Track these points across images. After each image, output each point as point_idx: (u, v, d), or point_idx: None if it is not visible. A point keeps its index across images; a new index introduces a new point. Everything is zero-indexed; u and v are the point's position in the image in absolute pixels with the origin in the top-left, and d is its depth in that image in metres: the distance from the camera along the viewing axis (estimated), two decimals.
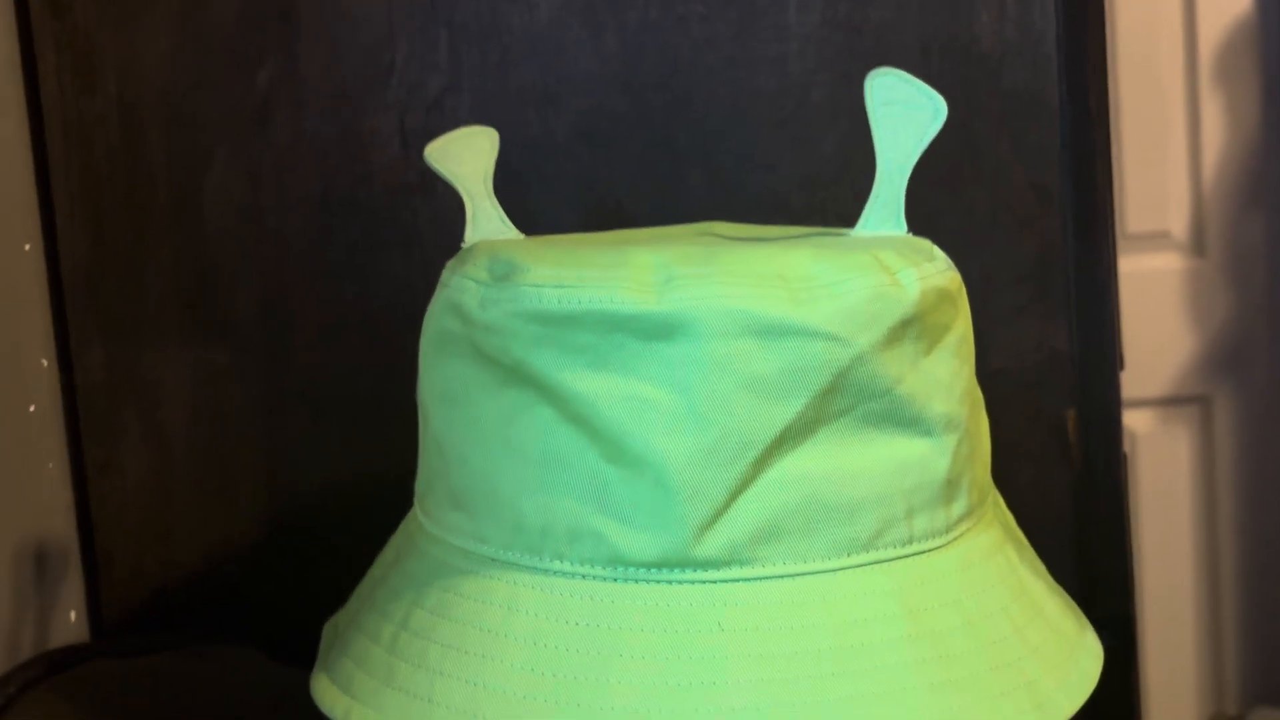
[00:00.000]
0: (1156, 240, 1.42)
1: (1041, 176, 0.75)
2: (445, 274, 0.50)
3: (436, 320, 0.49)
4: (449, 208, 0.75)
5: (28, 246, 0.75)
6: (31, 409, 0.74)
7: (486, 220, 0.54)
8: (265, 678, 0.69)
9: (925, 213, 0.75)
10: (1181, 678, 1.48)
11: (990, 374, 0.76)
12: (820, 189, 0.75)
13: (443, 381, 0.48)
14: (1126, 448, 1.45)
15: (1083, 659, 0.48)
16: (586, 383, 0.44)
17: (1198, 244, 1.42)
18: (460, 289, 0.48)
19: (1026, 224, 0.75)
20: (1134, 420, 1.45)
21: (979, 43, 0.74)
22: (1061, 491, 0.76)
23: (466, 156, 0.55)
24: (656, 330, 0.43)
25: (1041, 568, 0.53)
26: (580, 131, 0.75)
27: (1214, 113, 1.40)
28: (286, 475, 0.78)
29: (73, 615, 0.77)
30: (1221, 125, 1.40)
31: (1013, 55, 0.74)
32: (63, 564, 0.76)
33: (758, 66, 0.74)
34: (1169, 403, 1.45)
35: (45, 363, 0.76)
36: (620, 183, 0.75)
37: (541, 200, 0.75)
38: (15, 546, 0.72)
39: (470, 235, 0.54)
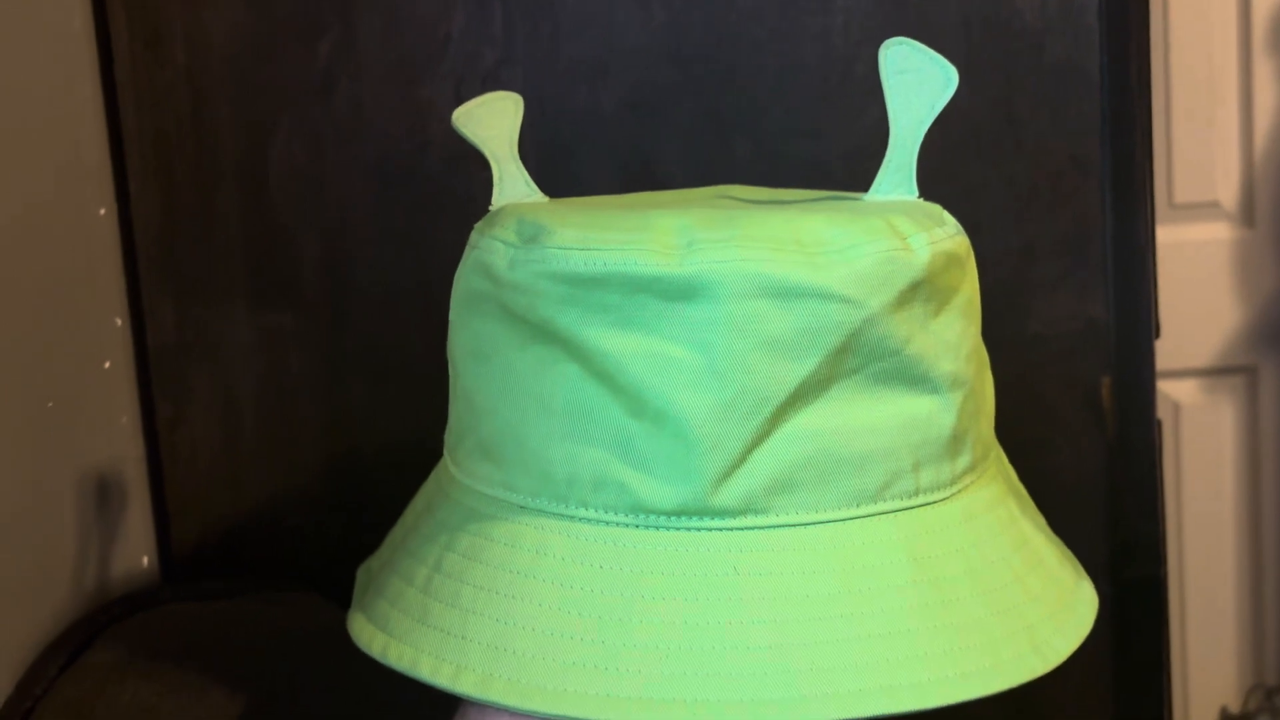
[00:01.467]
0: (1206, 210, 1.40)
1: (1082, 149, 0.75)
2: (474, 236, 0.51)
3: (466, 280, 0.50)
4: None
5: (103, 211, 0.77)
6: (106, 365, 0.77)
7: (513, 183, 0.55)
8: (327, 620, 0.71)
9: (967, 184, 0.75)
10: (1222, 647, 1.48)
11: (1028, 341, 0.76)
12: (863, 159, 0.75)
13: (473, 338, 0.50)
14: (1171, 417, 1.44)
15: (1079, 607, 0.49)
16: (611, 341, 0.45)
17: (1247, 214, 1.40)
18: (489, 250, 0.49)
19: (1066, 196, 0.75)
20: (1179, 390, 1.44)
21: (1021, 17, 0.74)
22: (1096, 457, 0.77)
23: (492, 121, 0.56)
24: (678, 291, 0.44)
25: (1042, 520, 0.54)
26: (629, 102, 0.76)
27: (1266, 83, 1.38)
28: (346, 431, 0.80)
29: (145, 560, 0.79)
30: (1273, 96, 1.38)
31: (1054, 29, 0.74)
32: (135, 513, 0.79)
33: (802, 39, 0.75)
34: (1214, 373, 1.44)
35: (119, 322, 0.79)
36: (667, 152, 0.76)
37: (591, 169, 0.77)
38: (92, 495, 0.74)
39: (497, 198, 0.55)
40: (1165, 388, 1.44)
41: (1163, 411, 1.44)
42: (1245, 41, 1.38)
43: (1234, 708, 1.48)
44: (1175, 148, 1.39)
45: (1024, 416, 0.75)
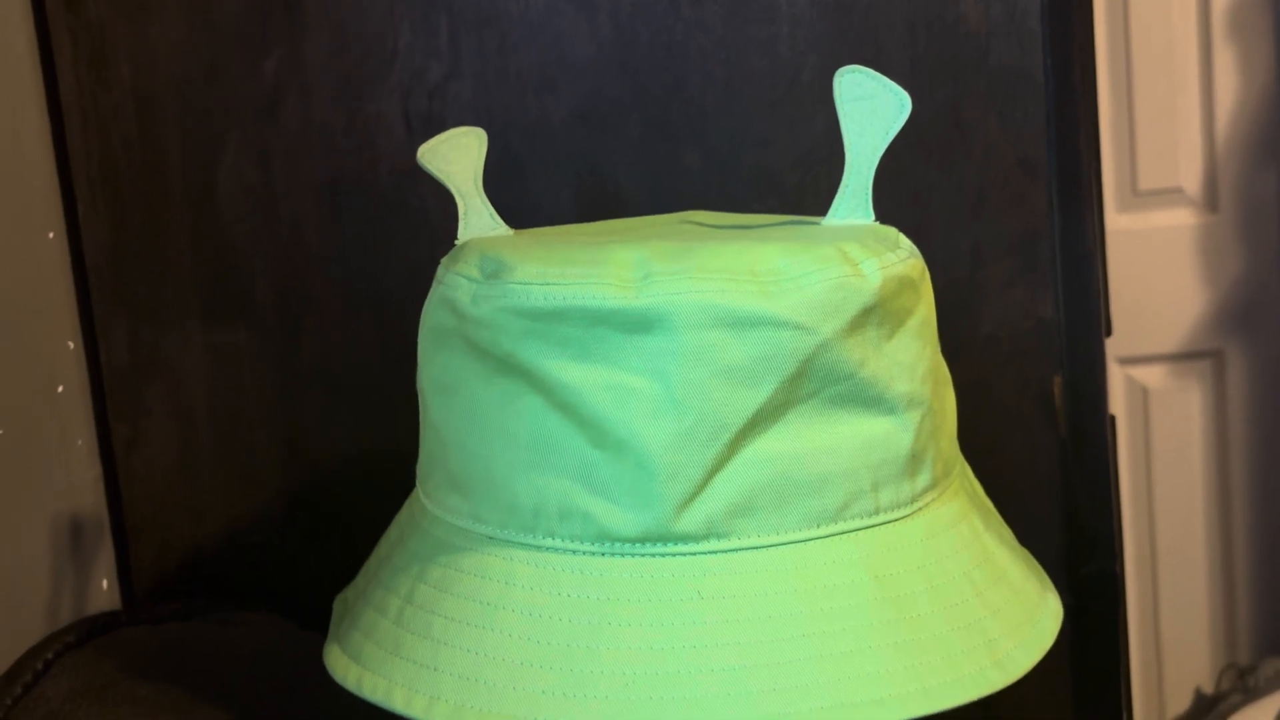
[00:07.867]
0: (1169, 196, 1.45)
1: (1028, 151, 0.79)
2: (440, 271, 0.54)
3: (432, 315, 0.54)
4: None
5: (51, 234, 0.80)
6: (60, 389, 0.80)
7: (477, 217, 0.59)
8: (287, 641, 0.74)
9: (916, 188, 0.80)
10: (1195, 629, 1.53)
11: (981, 343, 0.80)
12: (812, 166, 0.80)
13: (439, 372, 0.53)
14: (1140, 401, 1.50)
15: (1043, 619, 0.52)
16: (572, 373, 0.49)
17: (1210, 200, 1.45)
18: (453, 286, 0.52)
19: (1014, 198, 0.79)
20: (1147, 375, 1.50)
21: (965, 21, 0.78)
22: (1050, 455, 0.81)
23: (456, 156, 0.59)
24: (636, 323, 0.48)
25: (1007, 534, 0.57)
26: (577, 114, 0.80)
27: (1227, 68, 1.43)
28: (304, 449, 0.83)
29: (104, 584, 0.82)
30: (1234, 80, 1.43)
31: (999, 33, 0.78)
32: (94, 536, 0.82)
33: (749, 48, 0.79)
34: (1182, 357, 1.49)
35: (72, 345, 0.81)
36: (617, 163, 0.80)
37: (541, 182, 0.80)
38: (49, 520, 0.77)
39: (462, 232, 0.58)
40: (1133, 373, 1.49)
41: (1131, 396, 1.50)
42: (1205, 28, 1.42)
43: (1208, 689, 1.53)
44: (1137, 135, 1.44)
45: (979, 417, 0.79)
